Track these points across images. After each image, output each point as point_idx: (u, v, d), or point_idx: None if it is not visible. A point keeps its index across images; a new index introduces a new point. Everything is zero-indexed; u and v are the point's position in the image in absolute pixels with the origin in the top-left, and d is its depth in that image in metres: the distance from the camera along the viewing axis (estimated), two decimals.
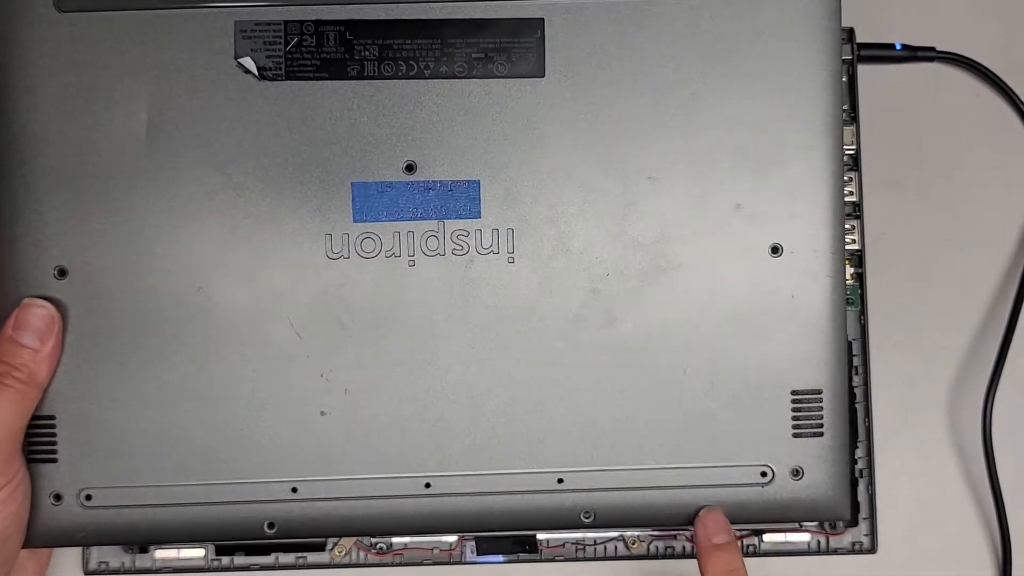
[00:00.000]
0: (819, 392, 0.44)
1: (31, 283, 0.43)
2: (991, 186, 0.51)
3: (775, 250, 0.44)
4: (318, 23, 0.43)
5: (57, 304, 0.43)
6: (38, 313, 0.42)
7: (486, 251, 0.43)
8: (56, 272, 0.43)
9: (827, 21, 0.43)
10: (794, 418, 0.44)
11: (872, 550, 0.48)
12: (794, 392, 0.44)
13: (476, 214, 0.43)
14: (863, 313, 0.49)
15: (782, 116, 0.44)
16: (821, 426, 0.44)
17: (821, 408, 0.44)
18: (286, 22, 0.43)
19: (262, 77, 0.43)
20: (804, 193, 0.44)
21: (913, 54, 0.50)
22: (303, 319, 0.43)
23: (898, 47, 0.51)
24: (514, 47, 0.43)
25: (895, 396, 0.50)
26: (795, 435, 0.44)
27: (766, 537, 0.49)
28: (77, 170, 0.43)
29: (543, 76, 0.43)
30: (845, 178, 0.49)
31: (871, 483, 0.49)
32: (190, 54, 0.43)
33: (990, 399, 0.49)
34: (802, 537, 0.49)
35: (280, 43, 0.43)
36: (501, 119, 0.43)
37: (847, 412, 0.44)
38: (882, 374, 0.50)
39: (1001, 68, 0.51)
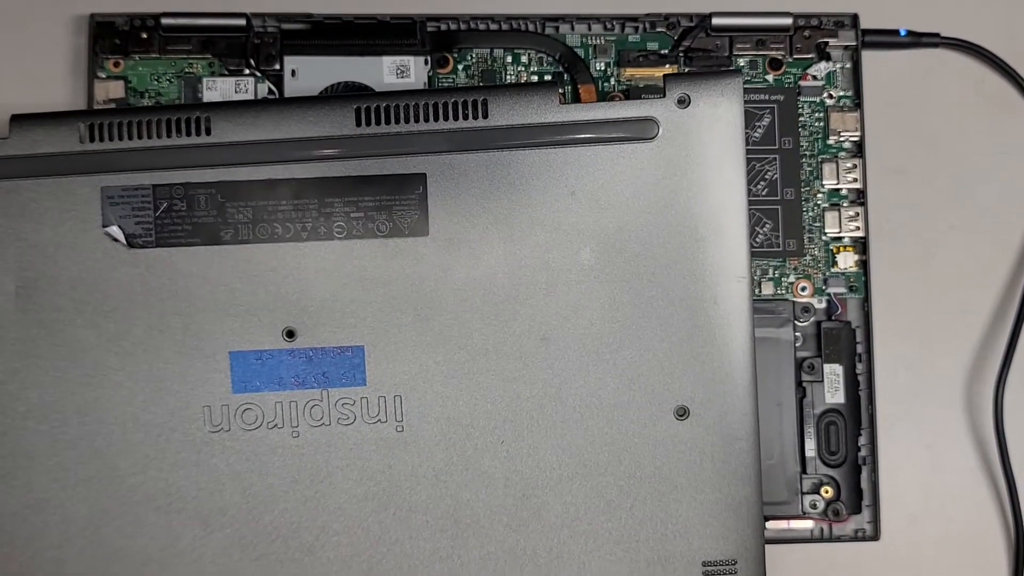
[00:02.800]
0: (734, 562, 0.41)
1: None
2: (996, 172, 0.52)
3: (681, 413, 0.41)
4: (188, 186, 0.41)
5: None
6: None
7: (373, 420, 0.41)
8: None
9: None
10: None
11: (875, 537, 0.49)
12: (705, 563, 0.41)
13: (361, 381, 0.41)
14: (867, 300, 0.50)
15: (682, 272, 0.40)
16: None
17: None
18: (155, 186, 0.41)
19: (131, 245, 0.41)
20: (710, 350, 0.40)
21: (918, 40, 0.51)
22: (182, 495, 0.41)
23: (903, 33, 0.51)
24: (396, 204, 0.41)
25: (899, 383, 0.51)
26: None
27: (769, 524, 0.49)
28: None
29: (427, 234, 0.41)
30: (851, 164, 0.49)
31: (874, 471, 0.49)
32: (55, 222, 0.41)
33: (1001, 386, 0.49)
34: (805, 524, 0.49)
35: (149, 208, 0.41)
36: (384, 281, 0.41)
37: None
38: (886, 361, 0.50)
39: (1006, 53, 0.51)
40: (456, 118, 0.41)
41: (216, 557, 0.42)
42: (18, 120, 0.42)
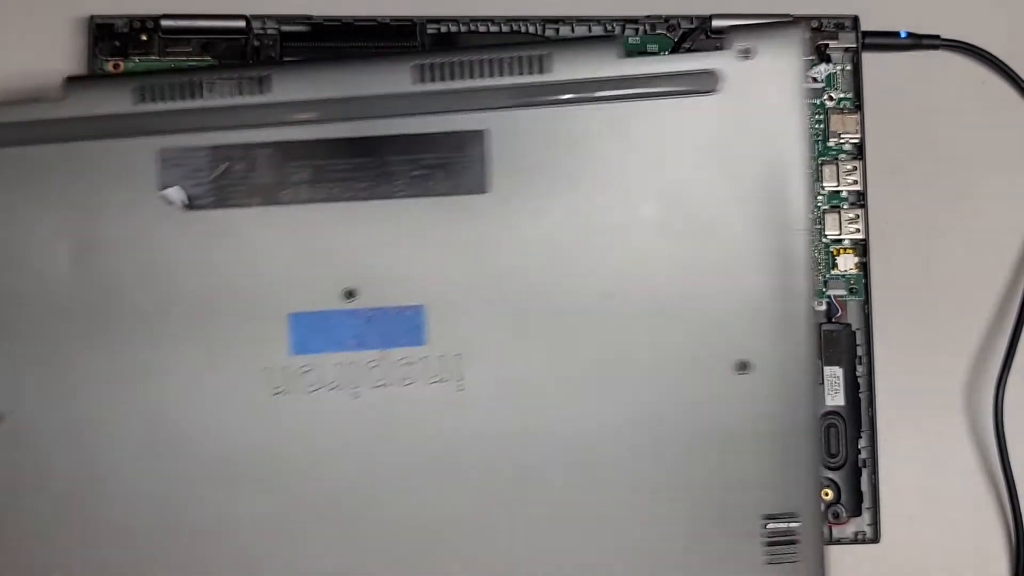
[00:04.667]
0: (794, 515, 0.41)
1: None
2: (997, 174, 0.52)
3: (742, 367, 0.41)
4: (247, 147, 0.40)
5: None
6: None
7: (433, 380, 0.41)
8: None
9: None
10: (768, 543, 0.41)
11: (875, 540, 0.49)
12: (765, 516, 0.41)
13: (421, 341, 0.41)
14: (867, 302, 0.50)
15: (744, 225, 0.40)
16: (795, 552, 0.41)
17: (795, 533, 0.41)
18: (213, 147, 0.41)
19: (189, 207, 0.40)
20: (771, 303, 0.40)
21: (918, 42, 0.51)
22: (241, 457, 0.42)
23: (903, 35, 0.52)
24: (455, 162, 0.40)
25: (899, 386, 0.51)
26: (768, 563, 0.41)
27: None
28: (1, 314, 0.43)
29: (486, 191, 0.40)
30: (851, 166, 0.50)
31: (874, 473, 0.49)
32: (112, 185, 0.41)
33: (1001, 388, 0.50)
34: None
35: (207, 170, 0.41)
36: (443, 239, 0.41)
37: (822, 536, 0.44)
38: (886, 363, 0.50)
39: (1007, 55, 0.52)
40: (517, 73, 0.41)
41: (278, 518, 0.43)
42: (73, 82, 0.42)
